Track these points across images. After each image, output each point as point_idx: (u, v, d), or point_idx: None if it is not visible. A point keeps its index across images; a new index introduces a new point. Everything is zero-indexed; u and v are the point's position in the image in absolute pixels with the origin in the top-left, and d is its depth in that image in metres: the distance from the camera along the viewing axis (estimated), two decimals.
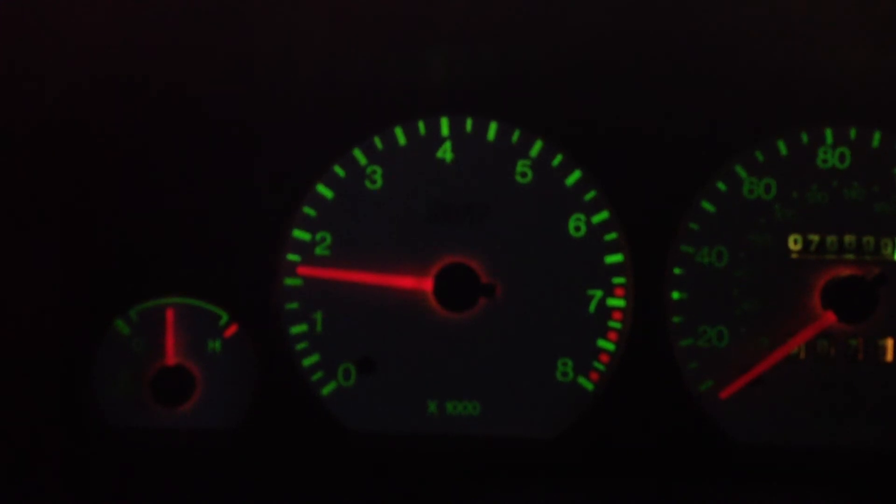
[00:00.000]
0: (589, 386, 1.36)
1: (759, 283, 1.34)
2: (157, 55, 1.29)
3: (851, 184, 1.33)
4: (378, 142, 1.36)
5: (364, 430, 1.37)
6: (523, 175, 1.36)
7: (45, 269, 1.33)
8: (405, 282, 1.35)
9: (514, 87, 1.34)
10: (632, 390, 1.35)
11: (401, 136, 1.36)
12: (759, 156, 1.34)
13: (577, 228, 1.35)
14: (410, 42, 1.32)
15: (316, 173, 1.36)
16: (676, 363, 1.35)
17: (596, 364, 1.36)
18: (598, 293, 1.36)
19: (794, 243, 1.34)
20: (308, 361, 1.38)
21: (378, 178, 1.36)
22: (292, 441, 1.36)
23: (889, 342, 1.34)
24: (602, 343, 1.36)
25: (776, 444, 1.35)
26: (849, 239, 1.34)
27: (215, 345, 1.38)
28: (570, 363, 1.36)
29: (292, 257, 1.37)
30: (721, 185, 1.34)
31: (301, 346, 1.38)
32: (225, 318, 1.37)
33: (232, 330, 1.37)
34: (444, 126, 1.36)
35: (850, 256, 1.34)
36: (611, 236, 1.35)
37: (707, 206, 1.34)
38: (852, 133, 1.34)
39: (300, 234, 1.37)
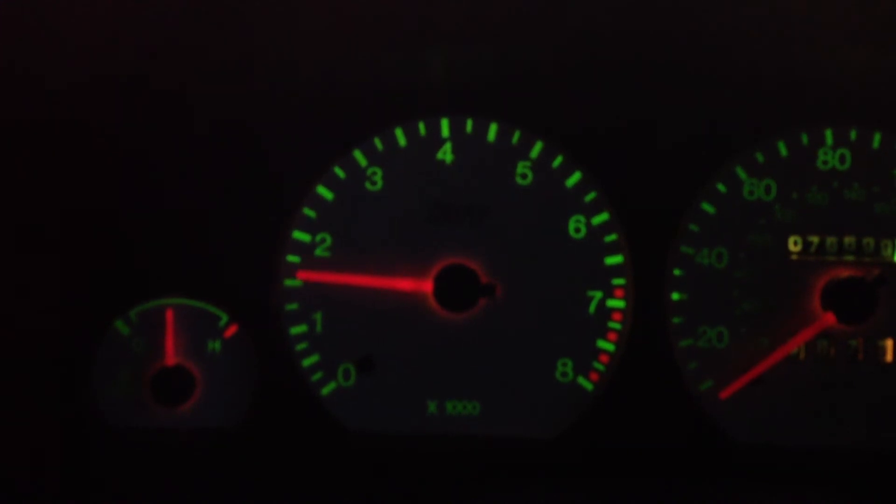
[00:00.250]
0: (589, 386, 1.37)
1: (759, 284, 1.34)
2: (158, 55, 1.29)
3: (851, 185, 1.33)
4: (378, 143, 1.36)
5: (364, 431, 1.38)
6: (523, 176, 1.36)
7: (45, 269, 1.33)
8: (405, 284, 1.35)
9: (514, 88, 1.34)
10: (632, 391, 1.35)
11: (401, 137, 1.36)
12: (760, 157, 1.34)
13: (578, 230, 1.35)
14: (410, 42, 1.32)
15: (316, 174, 1.36)
16: (676, 363, 1.35)
17: (596, 364, 1.36)
18: (598, 294, 1.36)
19: (794, 244, 1.34)
20: (308, 362, 1.38)
21: (378, 179, 1.37)
22: (292, 441, 1.36)
23: (889, 343, 1.34)
24: (602, 344, 1.36)
25: (776, 444, 1.35)
26: (849, 240, 1.34)
27: (215, 345, 1.38)
28: (569, 363, 1.36)
29: (292, 258, 1.37)
30: (721, 187, 1.34)
31: (301, 346, 1.38)
32: (225, 318, 1.37)
33: (232, 330, 1.37)
34: (445, 127, 1.36)
35: (850, 257, 1.34)
36: (611, 237, 1.35)
37: (707, 207, 1.34)
38: (852, 134, 1.34)
39: (300, 236, 1.37)
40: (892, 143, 1.33)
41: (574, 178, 1.36)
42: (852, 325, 1.33)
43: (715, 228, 1.35)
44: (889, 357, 1.34)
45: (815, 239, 1.34)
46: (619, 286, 1.36)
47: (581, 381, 1.36)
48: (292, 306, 1.37)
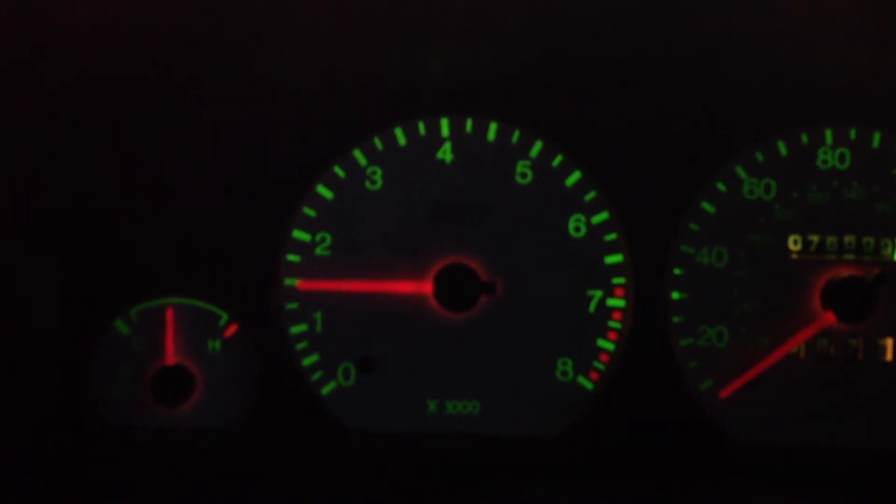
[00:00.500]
0: (589, 385, 1.37)
1: (759, 283, 1.34)
2: (158, 55, 1.29)
3: (851, 184, 1.33)
4: (378, 142, 1.36)
5: (364, 430, 1.38)
6: (523, 175, 1.36)
7: (45, 269, 1.33)
8: (405, 287, 1.35)
9: (514, 88, 1.34)
10: (631, 390, 1.35)
11: (401, 137, 1.36)
12: (759, 156, 1.34)
13: (577, 229, 1.35)
14: (410, 42, 1.32)
15: (316, 174, 1.36)
16: (676, 363, 1.35)
17: (596, 364, 1.36)
18: (598, 293, 1.36)
19: (793, 244, 1.34)
20: (308, 361, 1.38)
21: (378, 178, 1.37)
22: (292, 441, 1.36)
23: (889, 342, 1.34)
24: (602, 343, 1.36)
25: (776, 443, 1.35)
26: (849, 239, 1.34)
27: (215, 345, 1.38)
28: (569, 363, 1.36)
29: (292, 258, 1.37)
30: (721, 186, 1.34)
31: (301, 345, 1.38)
32: (225, 318, 1.38)
33: (232, 330, 1.38)
34: (445, 126, 1.36)
35: (850, 257, 1.34)
36: (611, 237, 1.35)
37: (707, 206, 1.34)
38: (852, 133, 1.34)
39: (300, 235, 1.37)
40: (892, 143, 1.33)
41: (574, 178, 1.36)
42: (852, 325, 1.33)
43: (715, 228, 1.35)
44: (889, 356, 1.34)
45: (814, 238, 1.34)
46: (619, 285, 1.36)
47: (581, 380, 1.36)
48: (292, 306, 1.37)
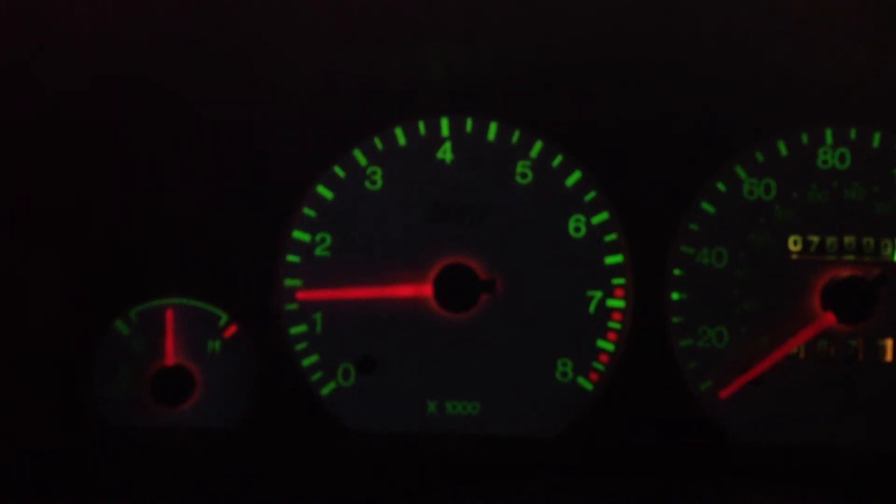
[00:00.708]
0: (588, 386, 1.37)
1: (759, 283, 1.34)
2: (158, 55, 1.29)
3: (851, 184, 1.33)
4: (378, 142, 1.36)
5: (363, 430, 1.38)
6: (523, 175, 1.36)
7: (45, 269, 1.33)
8: (405, 291, 1.35)
9: (514, 88, 1.34)
10: (631, 390, 1.35)
11: (401, 137, 1.36)
12: (759, 156, 1.34)
13: (577, 229, 1.35)
14: (410, 42, 1.32)
15: (316, 174, 1.36)
16: (676, 363, 1.35)
17: (595, 364, 1.36)
18: (598, 294, 1.36)
19: (793, 244, 1.34)
20: (308, 361, 1.38)
21: (378, 178, 1.37)
22: (292, 441, 1.36)
23: (889, 342, 1.34)
24: (602, 343, 1.36)
25: (776, 443, 1.35)
26: (849, 239, 1.34)
27: (215, 345, 1.38)
28: (569, 363, 1.36)
29: (292, 258, 1.37)
30: (721, 186, 1.34)
31: (301, 346, 1.38)
32: (224, 318, 1.38)
33: (231, 330, 1.37)
34: (445, 126, 1.36)
35: (850, 257, 1.34)
36: (611, 237, 1.35)
37: (707, 206, 1.34)
38: (852, 133, 1.34)
39: (300, 235, 1.37)
40: (892, 143, 1.33)
41: (574, 178, 1.36)
42: (852, 325, 1.33)
43: (715, 228, 1.35)
44: (889, 357, 1.34)
45: (814, 238, 1.34)
46: (619, 286, 1.36)
47: (581, 380, 1.36)
48: (292, 306, 1.37)
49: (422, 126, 1.36)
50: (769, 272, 1.34)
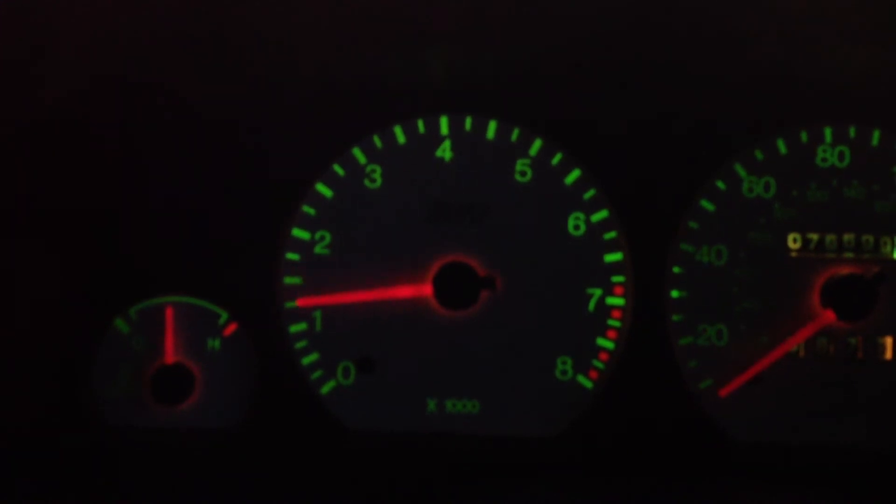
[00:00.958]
0: (588, 384, 1.37)
1: (759, 281, 1.34)
2: (158, 55, 1.29)
3: (851, 182, 1.33)
4: (377, 140, 1.36)
5: (363, 429, 1.38)
6: (523, 174, 1.36)
7: (45, 268, 1.33)
8: (404, 291, 1.35)
9: (513, 86, 1.34)
10: (631, 389, 1.35)
11: (400, 135, 1.36)
12: (759, 154, 1.34)
13: (577, 227, 1.35)
14: (410, 41, 1.32)
15: (315, 172, 1.36)
16: (676, 362, 1.35)
17: (595, 362, 1.36)
18: (598, 292, 1.36)
19: (793, 242, 1.34)
20: (307, 360, 1.38)
21: (377, 176, 1.36)
22: (292, 440, 1.36)
23: (888, 340, 1.34)
24: (601, 341, 1.36)
25: (775, 442, 1.35)
26: (848, 237, 1.34)
27: (215, 343, 1.38)
28: (569, 362, 1.36)
29: (292, 256, 1.37)
30: (720, 184, 1.34)
31: (300, 344, 1.38)
32: (224, 316, 1.38)
33: (231, 329, 1.38)
34: (444, 125, 1.36)
35: (850, 255, 1.34)
36: (610, 235, 1.35)
37: (706, 204, 1.34)
38: (851, 132, 1.34)
39: (300, 233, 1.37)
40: (891, 141, 1.33)
41: (573, 176, 1.36)
42: (852, 323, 1.33)
43: (714, 226, 1.35)
44: (888, 355, 1.34)
45: (814, 236, 1.34)
46: (619, 284, 1.36)
47: (581, 379, 1.37)
48: (292, 304, 1.37)
49: (421, 124, 1.36)
50: (769, 270, 1.34)
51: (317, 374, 1.38)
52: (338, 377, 1.38)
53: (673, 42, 1.29)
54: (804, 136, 1.34)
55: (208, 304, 1.37)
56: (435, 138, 1.36)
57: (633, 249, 1.35)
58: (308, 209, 1.37)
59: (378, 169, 1.36)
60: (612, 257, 1.35)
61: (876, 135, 1.33)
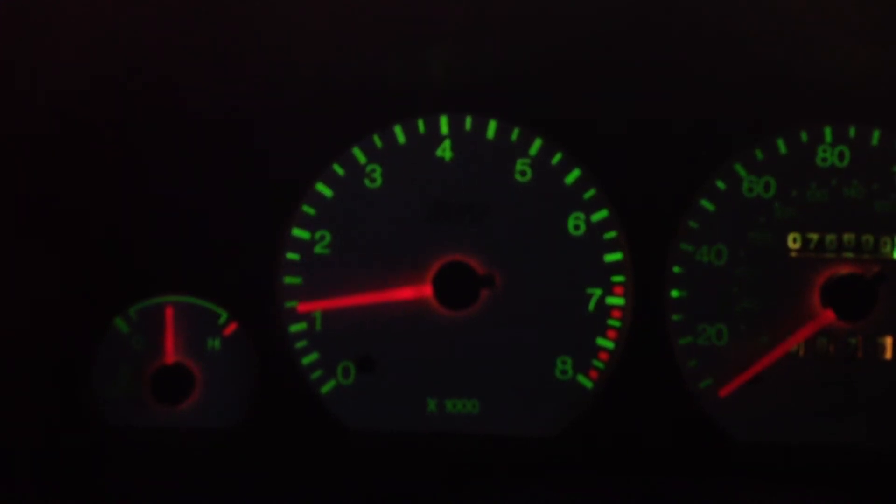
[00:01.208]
0: (588, 384, 1.37)
1: (759, 281, 1.34)
2: (158, 55, 1.29)
3: (851, 182, 1.33)
4: (377, 140, 1.36)
5: (363, 429, 1.38)
6: (523, 173, 1.36)
7: (44, 268, 1.33)
8: (404, 293, 1.35)
9: (513, 86, 1.34)
10: (631, 388, 1.35)
11: (400, 135, 1.36)
12: (759, 154, 1.34)
13: (577, 227, 1.35)
14: (410, 41, 1.31)
15: (315, 172, 1.36)
16: (676, 361, 1.35)
17: (595, 362, 1.36)
18: (598, 291, 1.36)
19: (793, 241, 1.34)
20: (307, 360, 1.38)
21: (377, 176, 1.36)
22: (292, 439, 1.36)
23: (888, 340, 1.34)
24: (601, 341, 1.36)
25: (775, 441, 1.35)
26: (848, 237, 1.34)
27: (215, 343, 1.38)
28: (569, 361, 1.36)
29: (292, 256, 1.37)
30: (720, 184, 1.34)
31: (300, 344, 1.38)
32: (224, 316, 1.38)
33: (231, 328, 1.38)
34: (444, 124, 1.36)
35: (850, 255, 1.34)
36: (610, 235, 1.35)
37: (706, 204, 1.34)
38: (851, 131, 1.34)
39: (299, 233, 1.37)
40: (891, 141, 1.33)
41: (573, 176, 1.36)
42: (852, 323, 1.33)
43: (714, 226, 1.35)
44: (888, 354, 1.34)
45: (814, 236, 1.34)
46: (619, 283, 1.36)
47: (580, 378, 1.37)
48: (292, 304, 1.37)
49: (421, 124, 1.36)
50: (769, 270, 1.34)
51: (317, 374, 1.38)
52: (338, 377, 1.38)
53: (673, 42, 1.28)
54: (804, 136, 1.34)
55: (208, 303, 1.37)
56: (435, 138, 1.36)
57: (633, 249, 1.35)
58: (308, 209, 1.37)
59: (378, 168, 1.36)
60: (612, 257, 1.35)
61: (876, 134, 1.33)
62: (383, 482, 1.30)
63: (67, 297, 1.34)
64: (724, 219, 1.34)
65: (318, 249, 1.37)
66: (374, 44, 1.31)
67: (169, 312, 1.37)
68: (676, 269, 1.35)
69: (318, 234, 1.37)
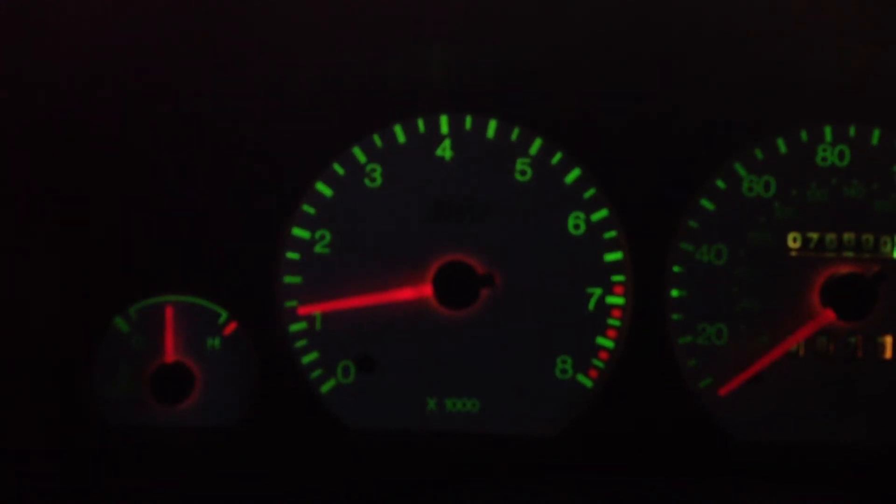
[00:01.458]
0: (588, 383, 1.37)
1: (759, 280, 1.34)
2: (158, 54, 1.29)
3: (851, 181, 1.33)
4: (377, 140, 1.36)
5: (363, 428, 1.38)
6: (523, 173, 1.36)
7: (45, 267, 1.33)
8: (405, 293, 1.35)
9: (513, 85, 1.34)
10: (631, 388, 1.35)
11: (400, 134, 1.36)
12: (759, 153, 1.34)
13: (577, 226, 1.35)
14: (410, 40, 1.31)
15: (315, 171, 1.36)
16: (676, 361, 1.35)
17: (595, 361, 1.36)
18: (598, 291, 1.36)
19: (793, 241, 1.34)
20: (307, 359, 1.38)
21: (377, 176, 1.36)
22: (292, 439, 1.36)
23: (888, 339, 1.34)
24: (601, 341, 1.36)
25: (775, 441, 1.35)
26: (848, 237, 1.34)
27: (214, 342, 1.38)
28: (569, 361, 1.36)
29: (292, 255, 1.37)
30: (720, 183, 1.34)
31: (300, 343, 1.38)
32: (224, 315, 1.38)
33: (231, 328, 1.38)
34: (444, 124, 1.36)
35: (850, 254, 1.34)
36: (610, 234, 1.35)
37: (706, 203, 1.34)
38: (851, 131, 1.34)
39: (300, 232, 1.37)
40: (891, 140, 1.33)
41: (573, 175, 1.36)
42: (852, 322, 1.33)
43: (714, 225, 1.35)
44: (888, 354, 1.34)
45: (814, 235, 1.34)
46: (619, 283, 1.36)
47: (580, 378, 1.37)
48: (291, 303, 1.37)
49: (421, 124, 1.36)
50: (769, 269, 1.34)
51: (317, 373, 1.38)
52: (338, 376, 1.38)
53: (673, 42, 1.29)
54: (804, 136, 1.34)
55: (208, 303, 1.37)
56: (435, 137, 1.36)
57: (633, 248, 1.35)
58: (308, 208, 1.37)
59: (378, 168, 1.36)
60: (612, 256, 1.35)
61: (876, 134, 1.33)
62: (383, 482, 1.30)
63: (67, 296, 1.34)
64: (724, 218, 1.34)
65: (318, 249, 1.37)
66: (374, 44, 1.31)
67: (169, 312, 1.37)
68: (676, 269, 1.35)
69: (318, 234, 1.37)
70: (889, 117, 1.33)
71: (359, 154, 1.36)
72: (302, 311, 1.37)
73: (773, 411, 1.35)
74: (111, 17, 1.23)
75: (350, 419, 1.38)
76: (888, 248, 1.33)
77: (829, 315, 1.32)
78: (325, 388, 1.38)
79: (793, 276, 1.34)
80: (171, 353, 1.37)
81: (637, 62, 1.30)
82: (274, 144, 1.34)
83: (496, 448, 1.36)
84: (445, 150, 1.36)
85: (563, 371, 1.37)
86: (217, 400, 1.37)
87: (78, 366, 1.36)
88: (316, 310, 1.37)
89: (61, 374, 1.36)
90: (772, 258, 1.34)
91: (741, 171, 1.34)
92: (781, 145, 1.34)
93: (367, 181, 1.36)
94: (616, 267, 1.36)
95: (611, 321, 1.36)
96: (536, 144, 1.35)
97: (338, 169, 1.36)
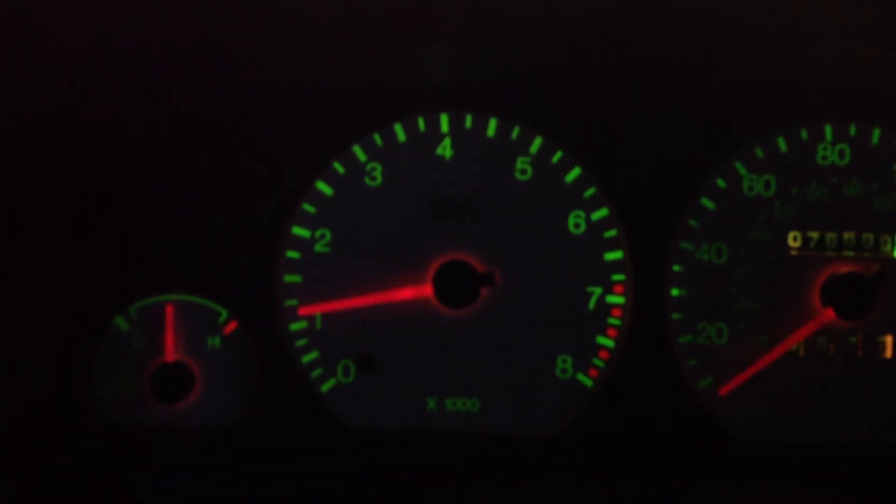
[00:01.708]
0: (588, 382, 1.37)
1: (759, 279, 1.34)
2: (157, 54, 1.29)
3: (851, 180, 1.33)
4: (378, 138, 1.36)
5: (363, 427, 1.38)
6: (523, 172, 1.35)
7: (45, 266, 1.33)
8: (405, 293, 1.35)
9: (513, 84, 1.34)
10: (631, 387, 1.35)
11: (400, 133, 1.36)
12: (759, 152, 1.34)
13: (577, 225, 1.35)
14: (410, 39, 1.31)
15: (316, 170, 1.36)
16: (676, 360, 1.35)
17: (595, 361, 1.36)
18: (598, 290, 1.36)
19: (793, 240, 1.34)
20: (307, 358, 1.38)
21: (378, 174, 1.36)
22: (292, 438, 1.36)
23: (888, 339, 1.34)
24: (601, 340, 1.36)
25: (775, 440, 1.35)
26: (848, 236, 1.33)
27: (215, 342, 1.38)
28: (569, 360, 1.36)
29: (292, 254, 1.37)
30: (721, 182, 1.34)
31: (300, 342, 1.38)
32: (224, 314, 1.38)
33: (231, 327, 1.38)
34: (444, 122, 1.36)
35: (850, 253, 1.34)
36: (610, 233, 1.35)
37: (707, 202, 1.34)
38: (852, 129, 1.33)
39: (300, 231, 1.37)
40: (892, 139, 1.33)
41: (574, 174, 1.35)
42: (852, 322, 1.33)
43: (714, 224, 1.35)
44: (888, 353, 1.34)
45: (814, 235, 1.34)
46: (619, 282, 1.36)
47: (581, 377, 1.37)
48: (292, 302, 1.37)
49: (421, 122, 1.36)
50: (769, 268, 1.34)
51: (317, 373, 1.38)
52: (338, 375, 1.38)
53: (673, 41, 1.28)
54: (804, 134, 1.34)
55: (208, 302, 1.37)
56: (435, 136, 1.36)
57: (633, 247, 1.35)
58: (308, 207, 1.37)
59: (378, 167, 1.36)
60: (613, 255, 1.35)
61: (876, 133, 1.33)
62: (383, 481, 1.30)
63: (67, 296, 1.34)
64: (725, 217, 1.34)
65: (318, 248, 1.37)
66: (374, 43, 1.31)
67: (169, 311, 1.37)
68: (676, 268, 1.35)
69: (318, 233, 1.37)
70: (889, 116, 1.33)
71: (359, 153, 1.36)
72: (302, 310, 1.37)
73: (773, 411, 1.35)
74: (111, 17, 1.23)
75: (350, 419, 1.38)
76: (888, 247, 1.33)
77: (829, 314, 1.32)
78: (326, 387, 1.38)
79: (793, 275, 1.34)
80: (171, 353, 1.37)
81: (637, 62, 1.30)
82: (274, 144, 1.34)
83: (496, 447, 1.36)
84: (446, 149, 1.36)
85: (563, 370, 1.37)
86: (217, 399, 1.38)
87: (78, 365, 1.36)
88: (316, 309, 1.36)
89: (62, 373, 1.36)
90: (772, 257, 1.34)
91: (741, 169, 1.34)
92: (782, 144, 1.34)
93: (367, 180, 1.36)
94: (616, 266, 1.36)
95: (611, 320, 1.36)
96: (537, 143, 1.35)
97: (338, 168, 1.36)
